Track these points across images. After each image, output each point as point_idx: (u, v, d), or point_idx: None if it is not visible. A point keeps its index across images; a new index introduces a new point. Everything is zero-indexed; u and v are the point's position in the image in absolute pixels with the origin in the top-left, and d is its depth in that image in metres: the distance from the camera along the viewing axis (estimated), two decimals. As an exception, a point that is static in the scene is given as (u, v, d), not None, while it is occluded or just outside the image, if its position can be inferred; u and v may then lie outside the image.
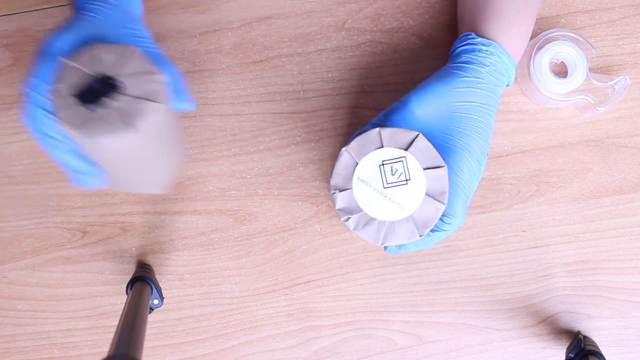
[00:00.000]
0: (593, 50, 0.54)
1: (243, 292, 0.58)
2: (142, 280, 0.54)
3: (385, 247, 0.50)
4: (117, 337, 0.43)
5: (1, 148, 0.58)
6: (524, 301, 0.57)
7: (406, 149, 0.43)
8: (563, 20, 0.57)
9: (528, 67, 0.54)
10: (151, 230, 0.58)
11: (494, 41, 0.48)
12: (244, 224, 0.57)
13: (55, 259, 0.58)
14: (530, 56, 0.54)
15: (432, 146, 0.43)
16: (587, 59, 0.54)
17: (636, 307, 0.57)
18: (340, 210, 0.43)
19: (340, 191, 0.43)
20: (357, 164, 0.43)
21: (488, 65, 0.47)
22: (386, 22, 0.57)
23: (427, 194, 0.43)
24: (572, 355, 0.53)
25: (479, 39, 0.48)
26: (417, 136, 0.43)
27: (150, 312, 0.56)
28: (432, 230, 0.46)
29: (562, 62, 0.56)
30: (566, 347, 0.56)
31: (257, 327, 0.58)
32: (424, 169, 0.43)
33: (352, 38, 0.57)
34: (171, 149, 0.48)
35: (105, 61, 0.38)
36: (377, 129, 0.43)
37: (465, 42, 0.49)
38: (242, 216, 0.57)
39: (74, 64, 0.38)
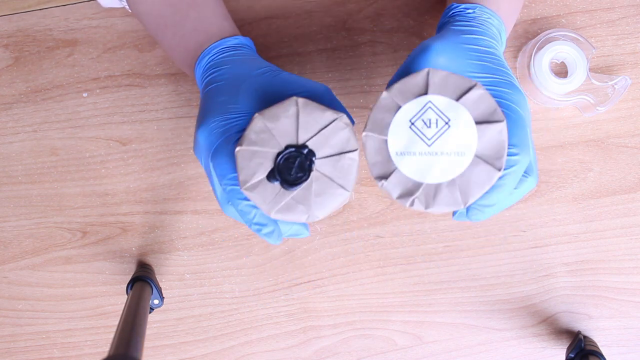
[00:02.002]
0: (593, 50, 0.54)
1: (243, 292, 0.58)
2: (142, 280, 0.54)
3: (467, 211, 0.39)
4: (117, 337, 0.43)
5: (1, 148, 0.58)
6: (524, 301, 0.57)
7: (458, 99, 0.35)
8: (563, 20, 0.57)
9: (528, 67, 0.54)
10: (151, 230, 0.58)
11: (478, 4, 0.45)
12: (244, 224, 0.57)
13: (55, 259, 0.58)
14: (530, 56, 0.54)
15: (490, 96, 0.35)
16: (587, 59, 0.54)
17: (636, 307, 0.57)
18: (399, 198, 0.36)
19: (386, 179, 0.36)
20: (386, 140, 0.35)
21: (482, 24, 0.44)
22: (386, 22, 0.57)
23: (477, 155, 0.35)
24: (573, 355, 0.53)
25: (463, 5, 0.45)
26: (474, 85, 0.35)
27: (150, 312, 0.56)
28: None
29: (562, 62, 0.56)
30: (566, 347, 0.56)
31: (257, 327, 0.58)
32: (477, 123, 0.35)
33: (352, 38, 0.57)
34: None
35: (279, 132, 0.36)
36: (425, 73, 0.35)
37: (451, 12, 0.46)
38: (242, 216, 0.58)
39: (253, 150, 0.36)
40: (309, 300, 0.58)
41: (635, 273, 0.57)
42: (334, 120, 0.36)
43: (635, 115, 0.56)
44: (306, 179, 0.36)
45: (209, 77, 0.45)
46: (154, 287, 0.55)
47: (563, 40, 0.54)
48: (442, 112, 0.35)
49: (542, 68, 0.54)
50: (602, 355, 0.51)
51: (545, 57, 0.54)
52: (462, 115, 0.35)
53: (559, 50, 0.54)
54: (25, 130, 0.58)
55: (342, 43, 0.57)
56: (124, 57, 0.58)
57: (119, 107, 0.58)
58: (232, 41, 0.47)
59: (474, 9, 0.45)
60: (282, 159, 0.36)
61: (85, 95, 0.58)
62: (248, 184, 0.37)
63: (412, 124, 0.35)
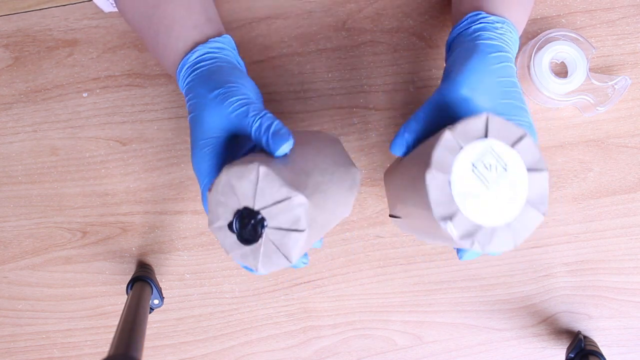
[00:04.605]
0: (593, 50, 0.54)
1: (243, 292, 0.58)
2: (142, 280, 0.54)
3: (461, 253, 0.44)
4: (117, 337, 0.43)
5: (1, 148, 0.58)
6: (524, 301, 0.57)
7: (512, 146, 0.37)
8: (563, 20, 0.57)
9: (528, 67, 0.54)
10: (151, 230, 0.58)
11: (504, 17, 0.47)
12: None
13: (55, 259, 0.58)
14: (530, 56, 0.54)
15: (536, 145, 0.37)
16: (587, 59, 0.54)
17: (636, 307, 0.57)
18: (461, 239, 0.37)
19: (451, 220, 0.36)
20: (449, 181, 0.36)
21: (507, 42, 0.46)
22: (386, 22, 0.57)
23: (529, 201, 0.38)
24: (573, 355, 0.53)
25: (492, 17, 0.47)
26: (524, 135, 0.37)
27: (150, 312, 0.56)
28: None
29: (562, 62, 0.56)
30: (566, 347, 0.56)
31: (257, 327, 0.58)
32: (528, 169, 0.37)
33: (352, 38, 0.57)
34: (335, 208, 0.45)
35: (240, 191, 0.39)
36: (484, 117, 0.37)
37: (478, 21, 0.47)
38: (242, 216, 0.58)
39: (219, 199, 0.39)
40: (309, 300, 0.58)
41: (635, 273, 0.57)
42: (287, 199, 0.38)
43: (635, 115, 0.56)
44: (256, 242, 0.39)
45: (187, 102, 0.46)
46: (154, 287, 0.55)
47: (563, 40, 0.54)
48: (500, 157, 0.37)
49: (542, 68, 0.54)
50: (602, 355, 0.51)
51: (545, 57, 0.54)
52: (516, 162, 0.37)
53: (559, 50, 0.54)
54: (25, 130, 0.58)
55: (342, 43, 0.57)
56: (124, 57, 0.58)
57: (119, 107, 0.58)
58: (197, 54, 0.46)
59: (502, 23, 0.46)
60: (239, 217, 0.39)
61: (85, 95, 0.58)
62: (213, 226, 0.40)
63: (474, 166, 0.37)
